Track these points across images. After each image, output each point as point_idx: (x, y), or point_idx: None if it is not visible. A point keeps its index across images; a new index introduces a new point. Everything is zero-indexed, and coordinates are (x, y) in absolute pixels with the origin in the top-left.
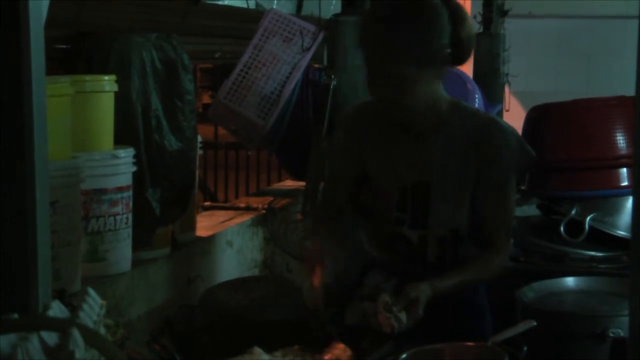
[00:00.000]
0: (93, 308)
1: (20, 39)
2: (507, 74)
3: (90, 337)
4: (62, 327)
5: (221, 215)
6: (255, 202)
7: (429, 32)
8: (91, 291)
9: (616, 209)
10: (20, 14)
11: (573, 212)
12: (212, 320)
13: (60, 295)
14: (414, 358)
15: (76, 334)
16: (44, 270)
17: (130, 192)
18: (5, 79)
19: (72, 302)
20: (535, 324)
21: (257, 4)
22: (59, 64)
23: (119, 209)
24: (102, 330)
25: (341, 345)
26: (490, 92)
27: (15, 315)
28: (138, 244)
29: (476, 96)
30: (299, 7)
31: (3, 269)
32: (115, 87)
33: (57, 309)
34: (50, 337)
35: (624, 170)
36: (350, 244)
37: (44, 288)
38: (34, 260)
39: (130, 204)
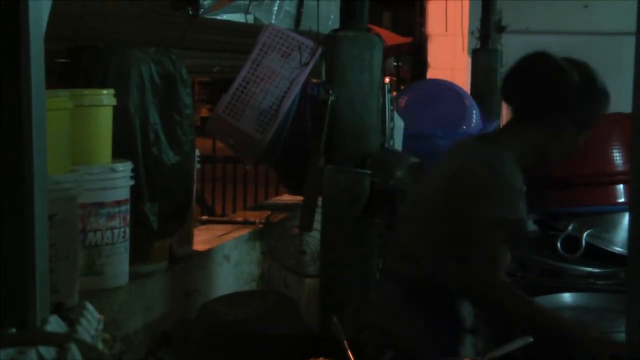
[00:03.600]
0: (91, 322)
1: (20, 53)
2: None
3: (89, 352)
4: (60, 341)
5: (218, 229)
6: (252, 216)
7: None
8: (89, 305)
9: (613, 225)
10: (20, 29)
11: (570, 228)
12: (210, 334)
13: (58, 308)
14: None
15: (74, 348)
16: (43, 285)
17: (128, 206)
18: (5, 93)
19: (70, 315)
20: (532, 340)
21: (255, 19)
22: (58, 78)
23: (116, 222)
24: (100, 345)
25: None
26: (487, 107)
27: (14, 330)
28: (135, 257)
29: (473, 112)
30: (297, 22)
31: (2, 283)
32: (113, 101)
33: (55, 324)
34: (49, 352)
35: (621, 186)
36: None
37: (42, 302)
38: (32, 274)
39: (128, 218)
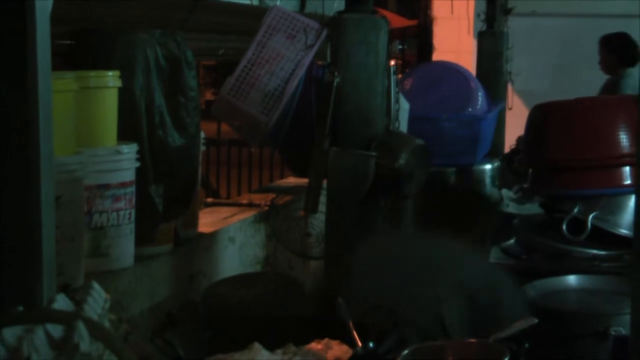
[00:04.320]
0: (97, 301)
1: (26, 35)
2: (510, 73)
3: (96, 330)
4: (67, 319)
5: (223, 211)
6: (257, 198)
7: None
8: (96, 285)
9: (618, 208)
10: (26, 11)
11: (575, 210)
12: (215, 315)
13: (64, 290)
14: (416, 353)
15: (81, 326)
16: (49, 264)
17: (134, 188)
18: (11, 75)
19: (76, 297)
20: (536, 321)
21: (260, 1)
22: (63, 60)
23: (122, 204)
24: (107, 324)
25: (342, 346)
26: (493, 90)
27: (21, 308)
28: (141, 239)
29: (479, 94)
30: (303, 4)
31: (9, 263)
32: (119, 83)
33: (62, 302)
34: (56, 330)
35: (627, 169)
36: None
37: (49, 282)
38: (39, 254)
39: (134, 200)
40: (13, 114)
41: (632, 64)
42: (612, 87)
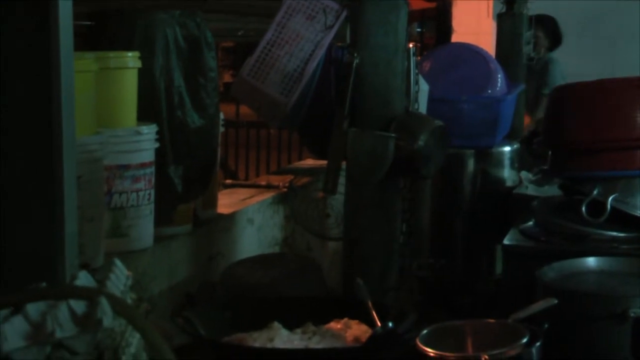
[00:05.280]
0: (120, 278)
1: (49, 16)
2: (529, 55)
3: (118, 306)
4: (90, 295)
5: (242, 193)
6: (276, 180)
7: None
8: (118, 262)
9: (638, 190)
10: None
11: (595, 192)
12: (233, 296)
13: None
14: (435, 333)
15: (104, 302)
16: (71, 243)
17: (153, 169)
18: (34, 56)
19: (96, 276)
20: (555, 301)
21: None
22: (83, 41)
23: (141, 185)
24: (129, 300)
25: (361, 325)
26: (512, 72)
27: (44, 284)
28: (160, 220)
29: (499, 76)
30: None
31: (32, 241)
32: (139, 64)
33: (84, 279)
34: (79, 306)
35: None
36: None
37: (71, 259)
38: (61, 233)
39: (153, 180)
40: (36, 94)
41: (555, 48)
42: (541, 72)
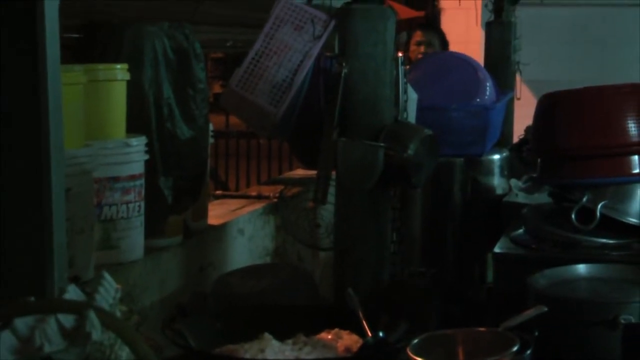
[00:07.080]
0: (109, 291)
1: (36, 28)
2: (518, 62)
3: (107, 319)
4: (79, 309)
5: (232, 203)
6: (266, 190)
7: None
8: (106, 275)
9: (628, 196)
10: (36, 4)
11: (584, 199)
12: (225, 306)
13: (74, 281)
14: (426, 343)
15: (93, 316)
16: (60, 256)
17: (143, 180)
18: (21, 68)
19: (86, 289)
20: (546, 309)
21: None
22: (71, 53)
23: (131, 197)
24: (118, 314)
25: (352, 336)
26: (501, 80)
27: (32, 299)
28: (150, 231)
29: (487, 84)
30: None
31: (20, 255)
32: (127, 76)
33: (73, 293)
34: (67, 320)
35: (636, 157)
36: None
37: (60, 273)
38: (49, 246)
39: (143, 192)
40: (24, 106)
41: None
42: None
